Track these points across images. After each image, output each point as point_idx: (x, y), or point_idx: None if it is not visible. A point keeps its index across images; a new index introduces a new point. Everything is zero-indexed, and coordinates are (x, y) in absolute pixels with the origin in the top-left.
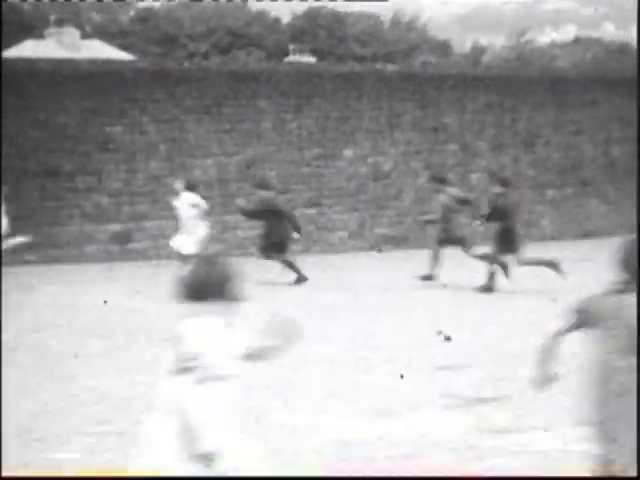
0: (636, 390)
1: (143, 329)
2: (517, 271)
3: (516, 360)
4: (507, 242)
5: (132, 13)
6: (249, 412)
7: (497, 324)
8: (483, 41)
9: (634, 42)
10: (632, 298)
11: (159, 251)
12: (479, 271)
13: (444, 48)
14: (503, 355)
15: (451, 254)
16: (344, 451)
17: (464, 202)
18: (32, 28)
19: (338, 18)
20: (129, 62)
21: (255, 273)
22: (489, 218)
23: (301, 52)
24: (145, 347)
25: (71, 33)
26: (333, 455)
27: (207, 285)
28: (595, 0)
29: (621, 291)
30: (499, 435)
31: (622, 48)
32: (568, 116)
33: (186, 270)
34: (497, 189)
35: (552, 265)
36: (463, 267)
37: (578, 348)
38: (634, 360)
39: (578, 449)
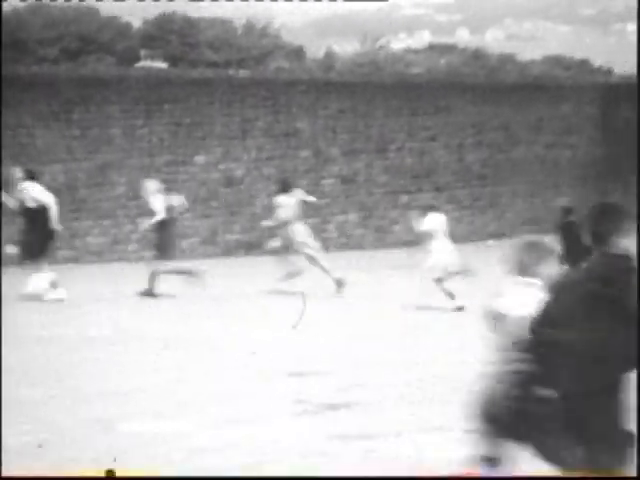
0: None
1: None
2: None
3: (367, 367)
4: None
5: None
6: (98, 421)
7: (347, 331)
8: (337, 47)
9: (487, 48)
10: None
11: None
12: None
13: (298, 54)
14: (354, 362)
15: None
16: (195, 459)
17: None
18: None
19: (190, 23)
20: None
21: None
22: None
23: (152, 58)
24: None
25: None
26: (183, 463)
27: None
28: (450, 6)
29: None
30: (350, 441)
31: (476, 54)
32: (421, 122)
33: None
34: None
35: None
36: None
37: (427, 357)
38: None
39: (429, 455)
